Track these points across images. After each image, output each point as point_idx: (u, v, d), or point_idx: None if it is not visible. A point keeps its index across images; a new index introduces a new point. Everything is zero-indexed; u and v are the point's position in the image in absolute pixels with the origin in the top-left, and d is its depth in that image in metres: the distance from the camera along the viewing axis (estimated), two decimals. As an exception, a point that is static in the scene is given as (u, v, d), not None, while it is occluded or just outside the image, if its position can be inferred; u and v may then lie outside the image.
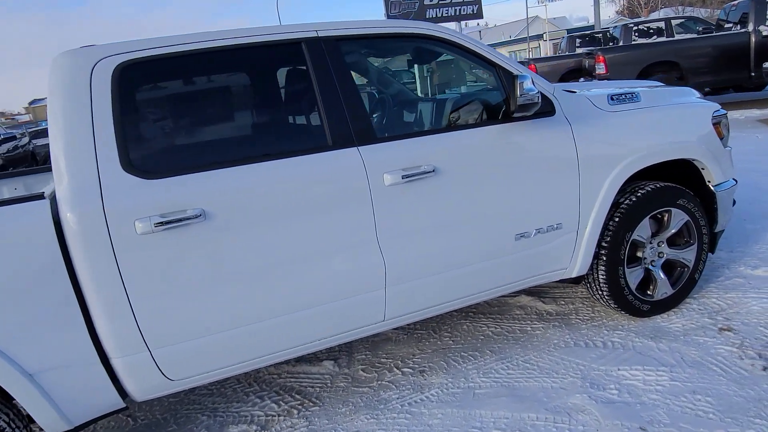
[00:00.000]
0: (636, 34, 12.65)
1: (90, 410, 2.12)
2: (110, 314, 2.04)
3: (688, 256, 3.13)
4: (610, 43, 13.74)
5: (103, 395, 2.13)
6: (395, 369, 2.98)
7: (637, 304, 3.04)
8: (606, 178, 2.79)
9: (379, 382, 2.88)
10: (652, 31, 12.71)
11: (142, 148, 2.11)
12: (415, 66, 2.68)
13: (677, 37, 12.15)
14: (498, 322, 3.33)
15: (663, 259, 3.12)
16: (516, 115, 2.48)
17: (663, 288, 3.09)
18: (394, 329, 3.38)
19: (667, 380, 2.55)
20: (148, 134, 2.15)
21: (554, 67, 13.19)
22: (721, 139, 3.13)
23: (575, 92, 2.94)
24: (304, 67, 2.34)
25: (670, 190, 2.97)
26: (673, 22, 12.88)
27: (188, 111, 2.27)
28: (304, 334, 2.39)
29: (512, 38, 59.99)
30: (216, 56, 2.23)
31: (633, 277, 3.01)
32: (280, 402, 2.83)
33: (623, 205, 2.89)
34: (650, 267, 3.09)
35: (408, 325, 3.42)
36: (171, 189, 2.08)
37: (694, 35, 11.72)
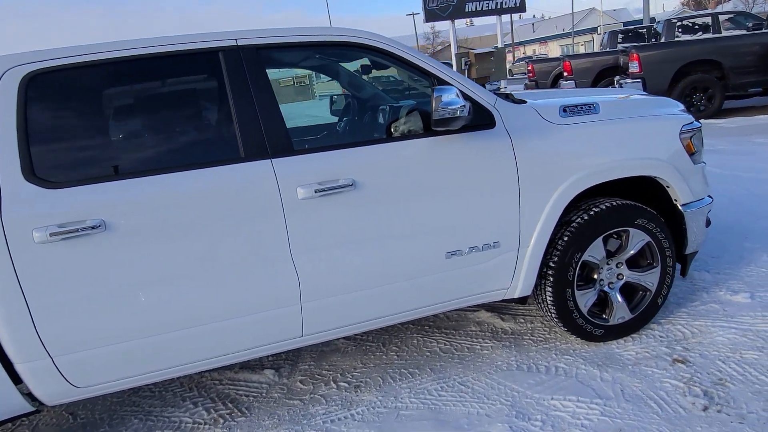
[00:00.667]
0: (679, 30, 11.99)
1: (-5, 412, 2.17)
2: (10, 321, 2.08)
3: (650, 279, 2.93)
4: (653, 40, 13.10)
5: (8, 399, 2.17)
6: (332, 382, 2.93)
7: (589, 328, 2.87)
8: (550, 195, 2.63)
9: (312, 396, 2.83)
10: (697, 27, 12.01)
11: (46, 158, 2.12)
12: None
13: (724, 33, 11.45)
14: (450, 338, 3.22)
15: (622, 282, 2.93)
16: (437, 129, 2.36)
17: (620, 312, 2.90)
18: (345, 340, 3.33)
19: (597, 414, 2.40)
20: (52, 144, 2.16)
21: (589, 65, 12.69)
22: (692, 154, 2.90)
23: (526, 102, 2.78)
24: (221, 77, 2.30)
25: (627, 208, 2.78)
26: (721, 18, 12.12)
27: (95, 121, 2.27)
28: (215, 347, 2.37)
29: (565, 31, 58.21)
30: (128, 65, 2.23)
31: (584, 299, 2.84)
32: (212, 409, 2.83)
33: (574, 224, 2.73)
34: (607, 289, 2.91)
35: (360, 336, 3.37)
36: (72, 199, 2.09)
37: (743, 32, 11.01)
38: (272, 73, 2.55)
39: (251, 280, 2.33)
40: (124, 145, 2.30)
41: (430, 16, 18.15)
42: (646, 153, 2.78)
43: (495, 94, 3.00)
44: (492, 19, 20.10)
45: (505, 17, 21.83)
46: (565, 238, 2.73)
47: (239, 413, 2.76)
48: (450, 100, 2.26)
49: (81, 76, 2.19)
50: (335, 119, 2.84)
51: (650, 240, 2.86)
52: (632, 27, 15.63)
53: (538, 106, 2.73)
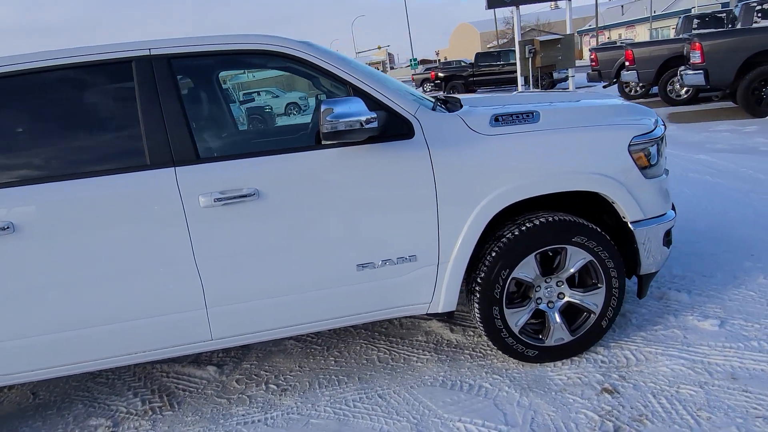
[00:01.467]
0: (759, 15, 10.93)
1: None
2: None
3: (593, 300, 2.74)
4: (729, 26, 12.02)
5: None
6: (264, 384, 2.98)
7: (520, 349, 2.73)
8: (472, 210, 2.52)
9: (241, 395, 2.90)
10: (781, 11, 10.88)
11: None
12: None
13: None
14: (393, 346, 3.18)
15: (563, 302, 2.76)
16: (327, 142, 2.31)
17: (558, 334, 2.74)
18: (294, 340, 3.37)
19: (495, 442, 2.29)
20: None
21: (654, 54, 11.85)
22: (645, 168, 2.67)
23: (461, 109, 2.67)
24: (132, 86, 2.38)
25: (564, 224, 2.61)
26: (810, 1, 10.89)
27: (4, 128, 2.41)
28: (120, 347, 2.48)
29: (656, 13, 54.51)
30: (41, 76, 2.35)
31: (516, 318, 2.70)
32: (147, 401, 2.96)
33: (504, 239, 2.60)
34: (545, 309, 2.75)
35: (308, 336, 3.40)
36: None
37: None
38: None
39: (157, 284, 2.41)
40: (34, 152, 2.43)
41: (492, 2, 17.55)
42: (582, 166, 2.58)
43: (436, 99, 2.90)
44: (581, 1, 19.17)
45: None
46: (493, 254, 2.60)
47: (169, 407, 2.88)
48: (344, 111, 2.21)
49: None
50: (247, 126, 2.84)
51: (592, 259, 2.67)
52: (711, 11, 14.38)
53: (467, 115, 2.61)
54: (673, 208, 2.90)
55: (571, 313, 2.80)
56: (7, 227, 2.24)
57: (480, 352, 3.00)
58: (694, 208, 4.88)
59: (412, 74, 38.38)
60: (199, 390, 3.01)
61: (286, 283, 2.50)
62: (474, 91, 22.83)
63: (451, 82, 22.37)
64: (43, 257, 2.30)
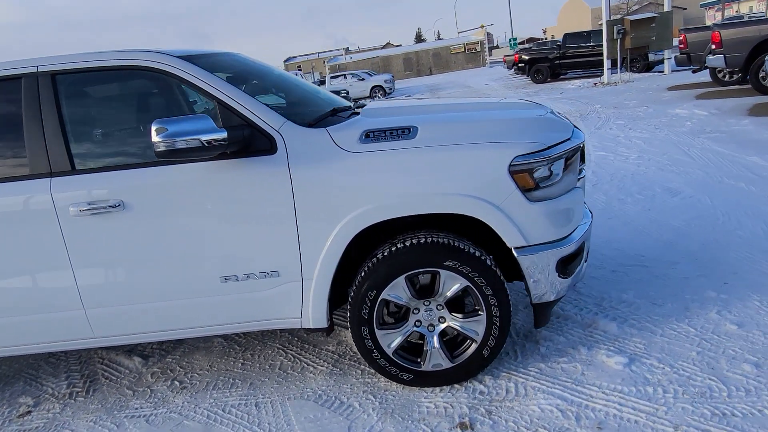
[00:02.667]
0: None
1: None
2: None
3: (474, 327, 2.60)
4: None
5: None
6: (171, 380, 3.15)
7: (394, 371, 2.66)
8: (333, 228, 2.47)
9: (146, 389, 3.09)
10: None
11: None
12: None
13: None
14: (300, 354, 3.21)
15: (443, 327, 2.64)
16: (163, 159, 2.36)
17: (436, 359, 2.63)
18: (221, 338, 3.51)
19: (321, 467, 2.27)
20: None
21: (745, 36, 10.53)
22: (531, 189, 2.45)
23: (337, 123, 2.60)
24: (20, 101, 2.58)
25: (435, 247, 2.48)
26: None
27: None
28: (9, 338, 2.74)
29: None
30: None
31: (388, 340, 2.63)
32: (72, 385, 3.25)
33: (374, 259, 2.53)
34: (424, 332, 2.65)
35: (235, 336, 3.52)
36: None
37: None
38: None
39: (37, 284, 2.62)
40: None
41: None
42: (452, 187, 2.43)
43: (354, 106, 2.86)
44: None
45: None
46: (363, 274, 2.55)
47: (84, 394, 3.14)
48: (181, 130, 2.25)
49: None
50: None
51: (468, 285, 2.52)
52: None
53: (337, 130, 2.54)
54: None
55: (455, 339, 2.67)
56: None
57: (372, 370, 2.95)
58: (702, 221, 4.38)
59: (504, 56, 37.12)
60: (118, 379, 3.24)
61: (153, 290, 2.62)
62: (558, 75, 21.64)
63: (536, 65, 21.33)
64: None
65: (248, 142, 2.47)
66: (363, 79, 29.40)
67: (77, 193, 2.52)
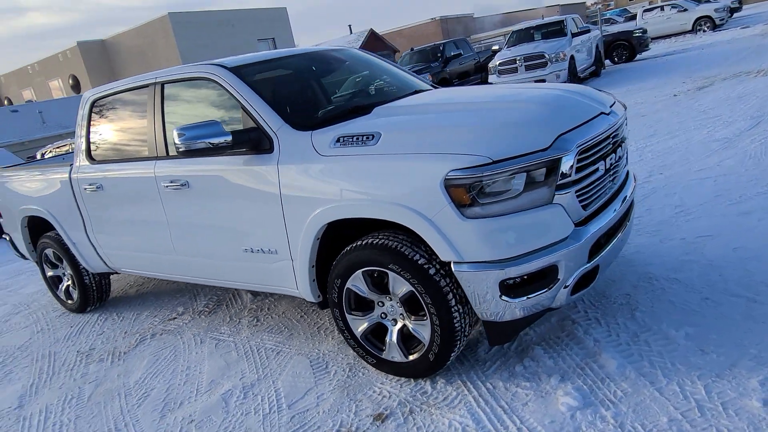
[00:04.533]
0: None
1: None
2: None
3: (422, 331, 2.68)
4: None
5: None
6: (255, 317, 4.02)
7: (361, 353, 2.95)
8: (303, 223, 2.85)
9: (237, 319, 4.04)
10: None
11: None
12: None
13: None
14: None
15: (401, 324, 2.79)
16: (182, 155, 3.05)
17: (393, 352, 2.82)
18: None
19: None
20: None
21: None
22: (467, 205, 2.36)
23: (323, 127, 2.91)
24: (145, 103, 3.63)
25: (383, 249, 2.63)
26: None
27: None
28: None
29: None
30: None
31: (357, 324, 2.91)
32: (206, 305, 4.43)
33: (344, 251, 2.84)
34: (388, 324, 2.85)
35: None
36: None
37: None
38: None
39: (152, 232, 3.74)
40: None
41: None
42: (387, 195, 2.50)
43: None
44: None
45: None
46: (334, 263, 2.88)
47: (207, 313, 4.27)
48: (197, 134, 2.90)
49: None
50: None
51: (413, 289, 2.61)
52: None
53: (318, 134, 2.84)
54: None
55: (413, 337, 2.79)
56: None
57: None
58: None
59: None
60: (231, 308, 4.29)
61: (205, 249, 3.47)
62: None
63: None
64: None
65: (256, 142, 3.00)
66: (685, 10, 24.71)
67: (166, 172, 3.47)
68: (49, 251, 4.85)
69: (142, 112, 3.76)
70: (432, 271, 2.54)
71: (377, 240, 2.66)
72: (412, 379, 2.82)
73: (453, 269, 2.46)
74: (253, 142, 3.00)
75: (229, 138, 2.91)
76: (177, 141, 2.96)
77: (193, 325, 4.10)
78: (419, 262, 2.54)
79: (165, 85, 3.56)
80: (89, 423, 3.11)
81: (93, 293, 4.76)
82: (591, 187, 2.60)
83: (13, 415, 3.39)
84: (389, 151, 2.57)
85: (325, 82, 3.89)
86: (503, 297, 2.42)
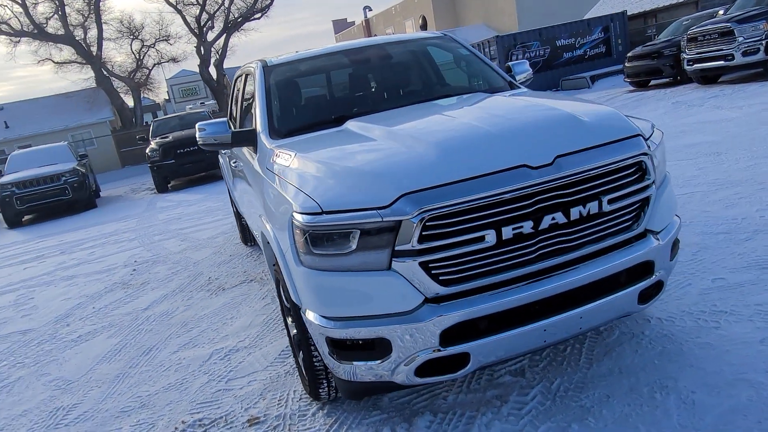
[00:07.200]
0: None
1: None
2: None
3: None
4: None
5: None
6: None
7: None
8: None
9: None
10: None
11: None
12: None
13: None
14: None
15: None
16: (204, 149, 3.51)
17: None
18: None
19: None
20: None
21: None
22: (303, 252, 2.21)
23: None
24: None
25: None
26: None
27: None
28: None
29: None
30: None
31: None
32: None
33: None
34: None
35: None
36: None
37: None
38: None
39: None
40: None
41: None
42: (273, 216, 2.66)
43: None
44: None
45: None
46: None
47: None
48: (211, 131, 3.34)
49: None
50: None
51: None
52: None
53: (275, 141, 3.07)
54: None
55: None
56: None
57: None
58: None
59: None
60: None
61: (252, 211, 3.85)
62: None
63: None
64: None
65: (252, 140, 3.31)
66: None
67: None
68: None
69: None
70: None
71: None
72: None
73: (300, 312, 2.39)
74: (252, 140, 3.34)
75: (228, 135, 3.31)
76: (198, 135, 3.46)
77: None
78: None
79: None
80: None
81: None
82: (466, 258, 2.08)
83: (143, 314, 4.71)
84: (285, 176, 2.56)
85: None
86: (332, 355, 2.26)
